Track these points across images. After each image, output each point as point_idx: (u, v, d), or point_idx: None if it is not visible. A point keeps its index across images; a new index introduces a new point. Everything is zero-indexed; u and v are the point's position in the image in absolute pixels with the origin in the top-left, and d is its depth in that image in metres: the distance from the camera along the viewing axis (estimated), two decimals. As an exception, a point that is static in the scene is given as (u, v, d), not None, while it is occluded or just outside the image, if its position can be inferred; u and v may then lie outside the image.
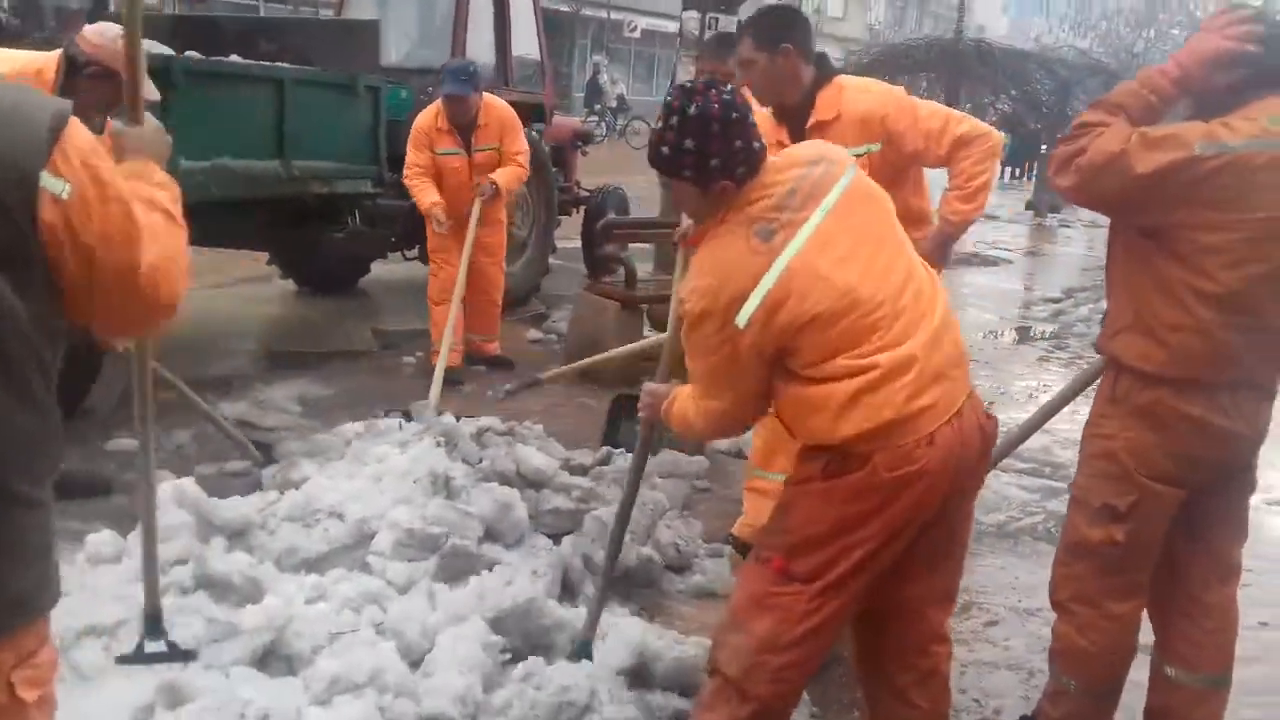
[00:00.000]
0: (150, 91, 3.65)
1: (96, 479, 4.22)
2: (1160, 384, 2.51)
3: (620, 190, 9.84)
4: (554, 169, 8.73)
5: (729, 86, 2.34)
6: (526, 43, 8.62)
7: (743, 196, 2.29)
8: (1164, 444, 2.53)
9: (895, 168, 3.42)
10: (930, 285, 2.35)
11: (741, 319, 2.20)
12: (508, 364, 6.49)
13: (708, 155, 2.26)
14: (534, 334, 7.38)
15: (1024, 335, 9.14)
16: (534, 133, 8.08)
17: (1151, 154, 2.36)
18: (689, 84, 2.36)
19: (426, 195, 5.90)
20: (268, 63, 5.90)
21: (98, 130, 3.70)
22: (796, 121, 3.45)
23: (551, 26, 34.31)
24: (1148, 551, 2.65)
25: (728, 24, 6.81)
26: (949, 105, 13.47)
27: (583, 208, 9.50)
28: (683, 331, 2.40)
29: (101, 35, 3.52)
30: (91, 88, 3.51)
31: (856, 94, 3.40)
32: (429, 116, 5.99)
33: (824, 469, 2.27)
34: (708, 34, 6.83)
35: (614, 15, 36.98)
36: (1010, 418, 6.28)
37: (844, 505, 2.23)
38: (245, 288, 8.56)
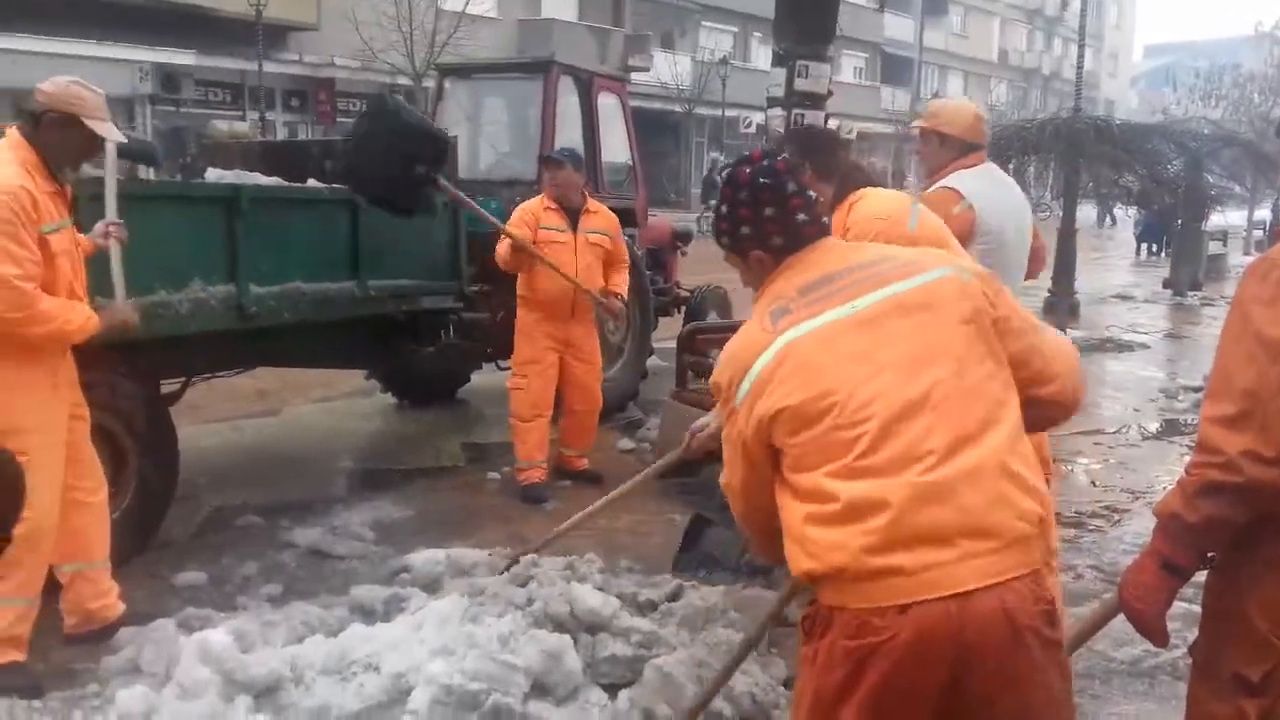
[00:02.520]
0: (113, 133, 3.65)
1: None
2: None
3: (721, 290, 9.63)
4: (650, 271, 8.60)
5: (779, 155, 2.21)
6: (619, 147, 8.56)
7: (780, 272, 2.17)
8: None
9: None
10: (985, 429, 1.94)
11: (737, 400, 2.09)
12: (596, 478, 6.23)
13: (738, 222, 2.20)
14: (626, 443, 7.12)
15: (1165, 429, 8.42)
16: (625, 237, 7.98)
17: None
18: (745, 154, 2.27)
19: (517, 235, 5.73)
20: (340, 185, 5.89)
21: (65, 180, 3.63)
22: None
23: (667, 126, 35.22)
24: (1294, 735, 2.17)
25: (814, 120, 6.58)
26: (1068, 187, 12.93)
27: (683, 308, 9.33)
28: None
29: (54, 84, 3.59)
30: (53, 134, 3.55)
31: (854, 213, 3.25)
32: (535, 200, 5.99)
33: (803, 623, 2.01)
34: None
35: (729, 112, 37.40)
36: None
37: (818, 675, 1.95)
38: (348, 402, 8.58)
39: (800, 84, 6.44)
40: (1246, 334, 2.01)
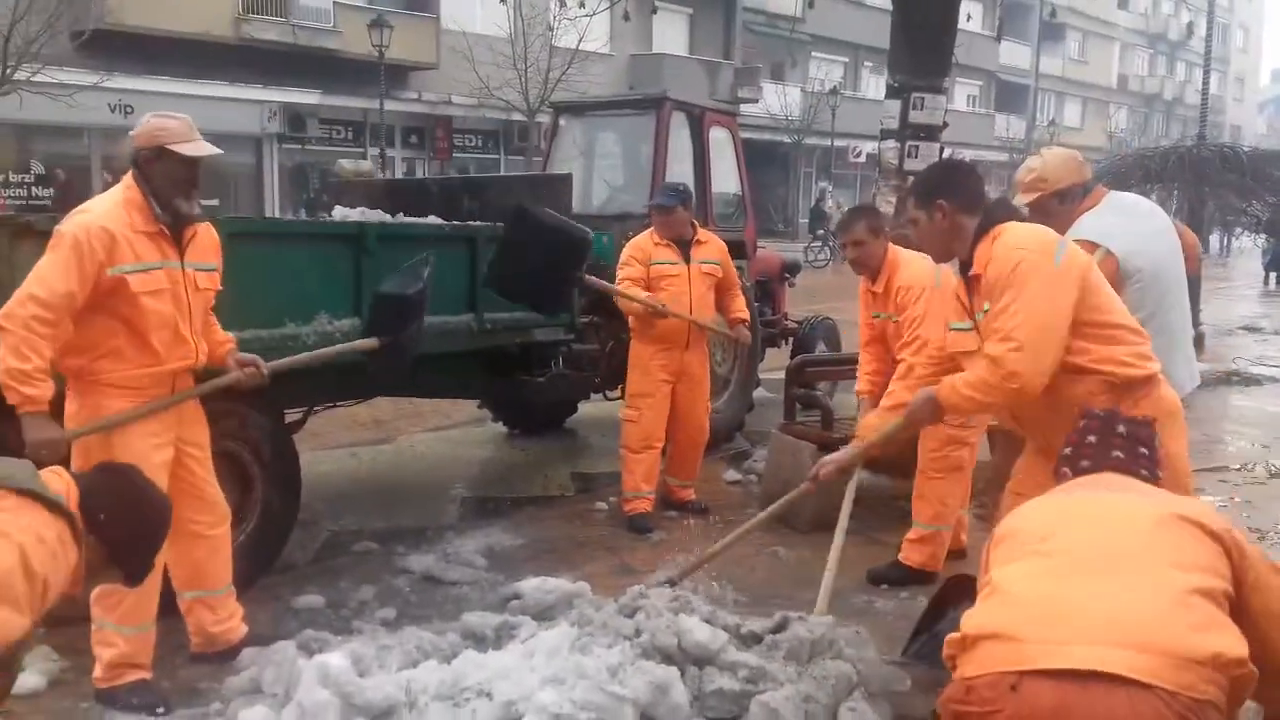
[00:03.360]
0: (203, 149, 3.63)
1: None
2: None
3: (829, 321, 9.58)
4: (759, 302, 8.61)
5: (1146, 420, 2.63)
6: (729, 179, 8.61)
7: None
8: None
9: None
10: (1167, 568, 1.97)
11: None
12: (702, 510, 6.26)
13: (1066, 444, 2.64)
14: (732, 474, 7.12)
15: (1294, 467, 8.05)
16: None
17: None
18: None
19: (639, 293, 5.86)
20: (459, 222, 6.05)
21: (181, 214, 3.62)
22: (967, 273, 3.33)
23: (775, 156, 35.22)
24: None
25: (928, 151, 6.55)
26: (1192, 215, 12.59)
27: (791, 339, 9.32)
28: None
29: (139, 125, 3.65)
30: (151, 170, 3.60)
31: (996, 247, 3.20)
32: (644, 237, 6.07)
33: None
34: (907, 163, 6.61)
35: (838, 142, 37.22)
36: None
37: None
38: (461, 431, 8.78)
39: (915, 116, 6.45)
40: None
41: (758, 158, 22.31)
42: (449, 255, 5.68)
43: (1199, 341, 13.59)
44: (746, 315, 6.27)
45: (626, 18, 25.43)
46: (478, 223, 6.08)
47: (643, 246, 6.00)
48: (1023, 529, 2.17)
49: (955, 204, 3.26)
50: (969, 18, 30.35)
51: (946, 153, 7.57)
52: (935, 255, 3.45)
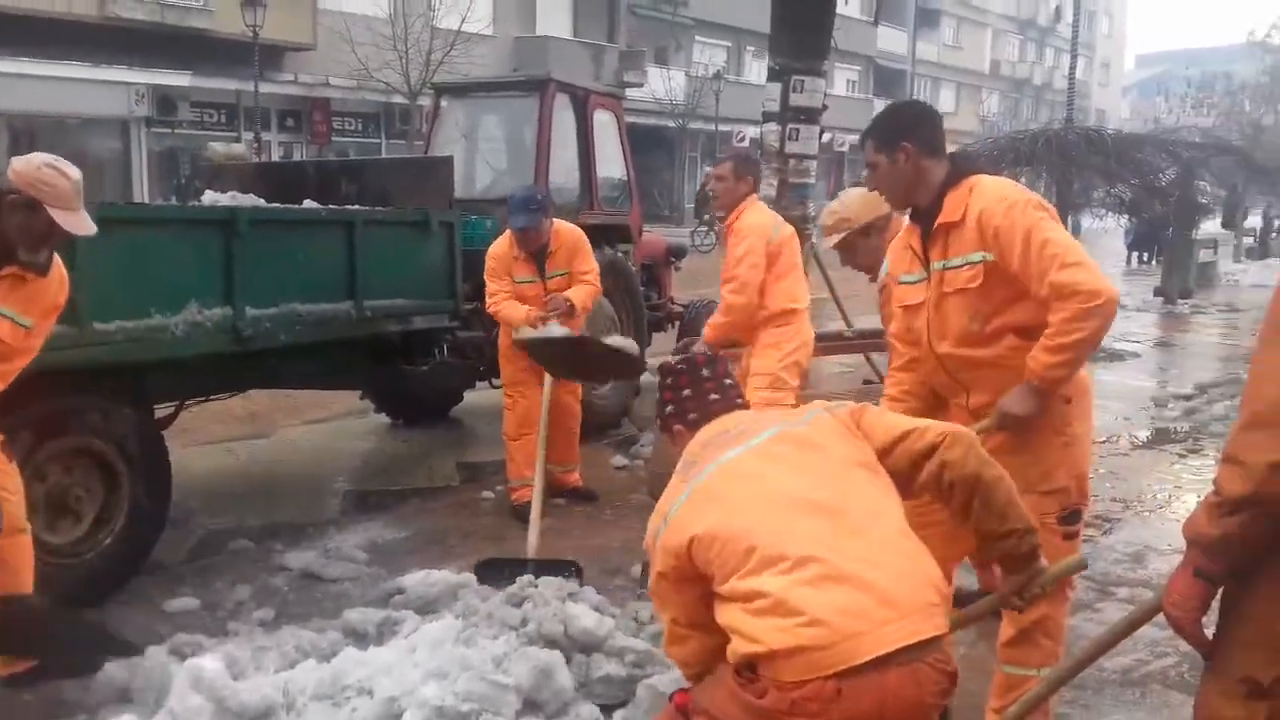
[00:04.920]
0: (80, 225, 3.42)
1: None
2: None
3: (715, 304, 9.64)
4: (644, 286, 8.62)
5: (704, 349, 2.74)
6: (614, 163, 8.58)
7: (695, 439, 2.51)
8: None
9: (1011, 283, 3.02)
10: (872, 522, 2.23)
11: (656, 542, 2.36)
12: (590, 495, 6.24)
13: (664, 402, 2.67)
14: (620, 460, 7.12)
15: (1155, 437, 8.45)
16: (619, 253, 8.00)
17: None
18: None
19: (517, 310, 5.75)
20: (336, 206, 5.90)
21: (23, 262, 3.39)
22: (927, 223, 3.17)
23: (661, 141, 35.21)
24: (1301, 740, 2.17)
25: (809, 134, 6.63)
26: (1060, 198, 12.90)
27: (676, 323, 9.36)
28: None
29: (26, 163, 3.38)
30: (12, 215, 3.35)
31: (979, 196, 3.04)
32: (504, 245, 5.90)
33: (738, 674, 2.19)
34: (789, 145, 6.68)
35: (722, 127, 37.53)
36: (1136, 536, 5.75)
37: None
38: (341, 423, 8.57)
39: (795, 99, 6.51)
40: None
41: (642, 142, 22.36)
42: (326, 240, 5.54)
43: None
44: (573, 298, 5.83)
45: (509, -2, 25.13)
46: (355, 207, 5.92)
47: (503, 259, 5.85)
48: (743, 532, 2.20)
49: (920, 147, 3.11)
50: (847, 2, 30.92)
51: (826, 137, 7.67)
52: (894, 201, 3.33)
